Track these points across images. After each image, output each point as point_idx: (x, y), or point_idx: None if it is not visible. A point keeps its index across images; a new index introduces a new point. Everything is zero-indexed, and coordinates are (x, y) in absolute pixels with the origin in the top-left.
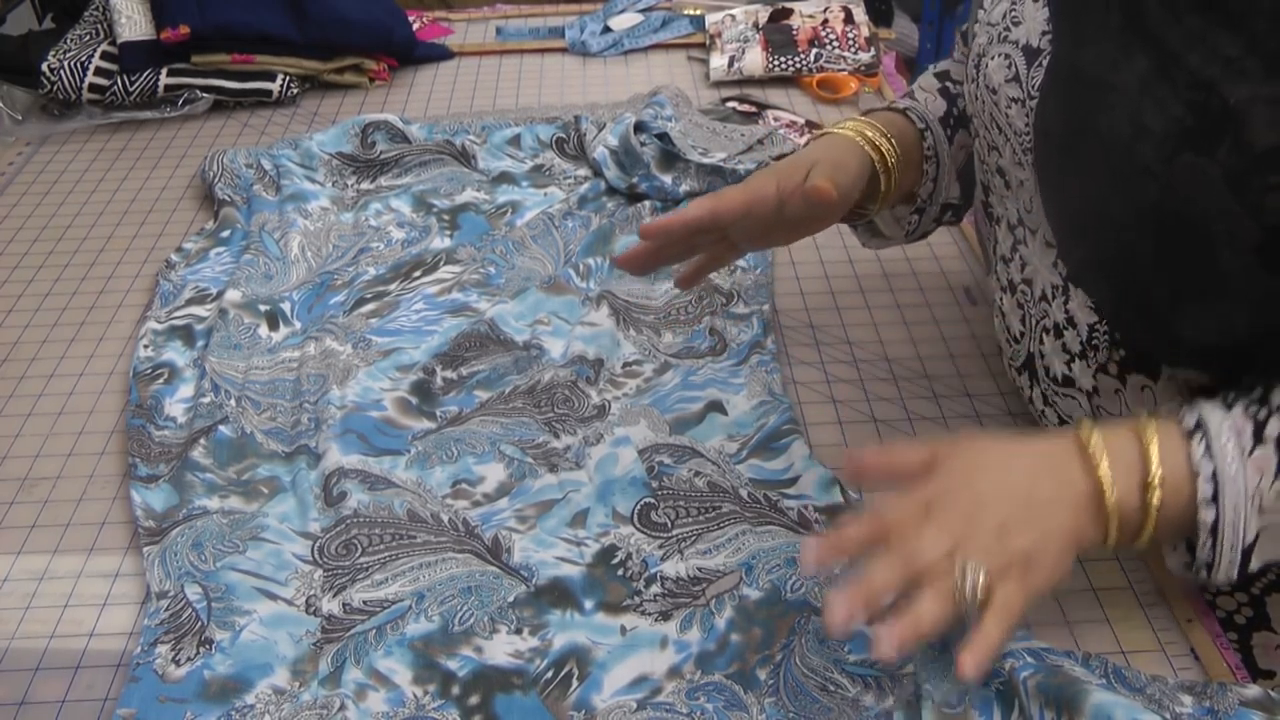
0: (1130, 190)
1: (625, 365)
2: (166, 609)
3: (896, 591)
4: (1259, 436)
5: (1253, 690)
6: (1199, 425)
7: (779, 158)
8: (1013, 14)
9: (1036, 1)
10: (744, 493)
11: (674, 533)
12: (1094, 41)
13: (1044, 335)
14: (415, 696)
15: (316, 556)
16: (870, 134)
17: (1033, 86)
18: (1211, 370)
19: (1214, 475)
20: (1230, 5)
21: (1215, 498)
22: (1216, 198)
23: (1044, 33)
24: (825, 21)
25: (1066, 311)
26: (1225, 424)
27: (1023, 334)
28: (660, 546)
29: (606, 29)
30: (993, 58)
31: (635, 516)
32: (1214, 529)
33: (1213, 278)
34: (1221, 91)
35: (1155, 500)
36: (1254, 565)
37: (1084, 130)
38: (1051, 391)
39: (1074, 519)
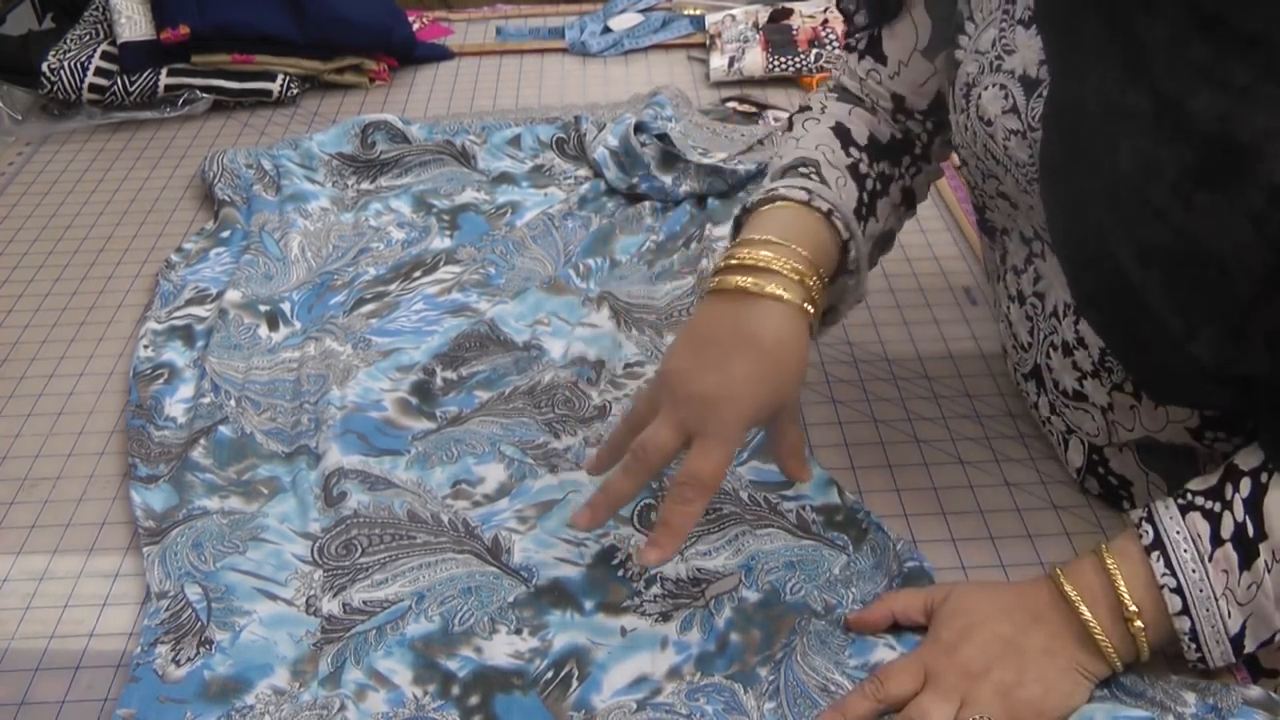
0: (1140, 230)
1: (627, 366)
2: (166, 609)
3: None
4: (1216, 538)
5: (1255, 691)
6: (1156, 540)
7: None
8: (1003, 42)
9: (1028, 29)
10: (744, 495)
11: None
12: (1095, 76)
13: (1051, 350)
14: (415, 697)
15: (316, 557)
16: (813, 285)
17: (1033, 118)
18: (1211, 407)
19: (1179, 589)
20: (1243, 27)
21: (1185, 609)
22: (1237, 233)
23: (1041, 62)
24: (825, 21)
25: (1077, 332)
26: (1181, 534)
27: (1030, 344)
28: None
29: (606, 29)
30: (986, 88)
31: (635, 517)
32: (1192, 634)
33: (1230, 306)
34: (1236, 125)
35: (1138, 627)
36: (1249, 648)
37: (1090, 168)
38: (1060, 403)
39: (1071, 660)
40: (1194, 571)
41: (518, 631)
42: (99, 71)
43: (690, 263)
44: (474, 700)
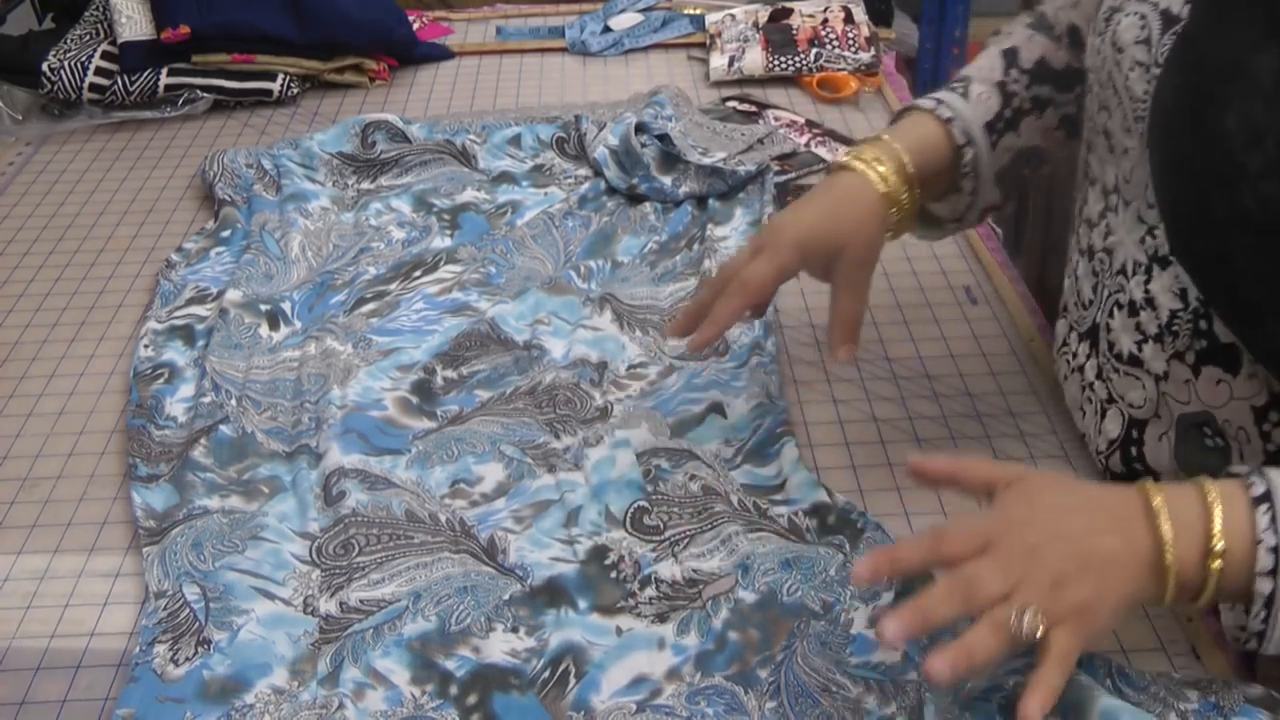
0: (1232, 191)
1: (630, 368)
2: (164, 609)
3: (951, 621)
4: None
5: (1256, 689)
6: (1266, 495)
7: (779, 158)
8: None
9: None
10: (735, 499)
11: (667, 534)
12: (1232, 30)
13: (1115, 309)
14: (413, 696)
15: (314, 556)
16: (887, 171)
17: (1160, 54)
18: None
19: (1276, 548)
20: None
21: (1274, 571)
22: None
23: (1186, 1)
24: (825, 21)
25: (1147, 291)
26: None
27: (1092, 302)
28: (653, 549)
29: (606, 29)
30: (1127, 14)
31: (628, 520)
32: (1269, 601)
33: None
34: None
35: (1216, 567)
36: None
37: (1198, 120)
38: (1110, 367)
39: (1132, 577)
40: None
41: (514, 630)
42: (99, 71)
43: (693, 264)
44: (472, 700)
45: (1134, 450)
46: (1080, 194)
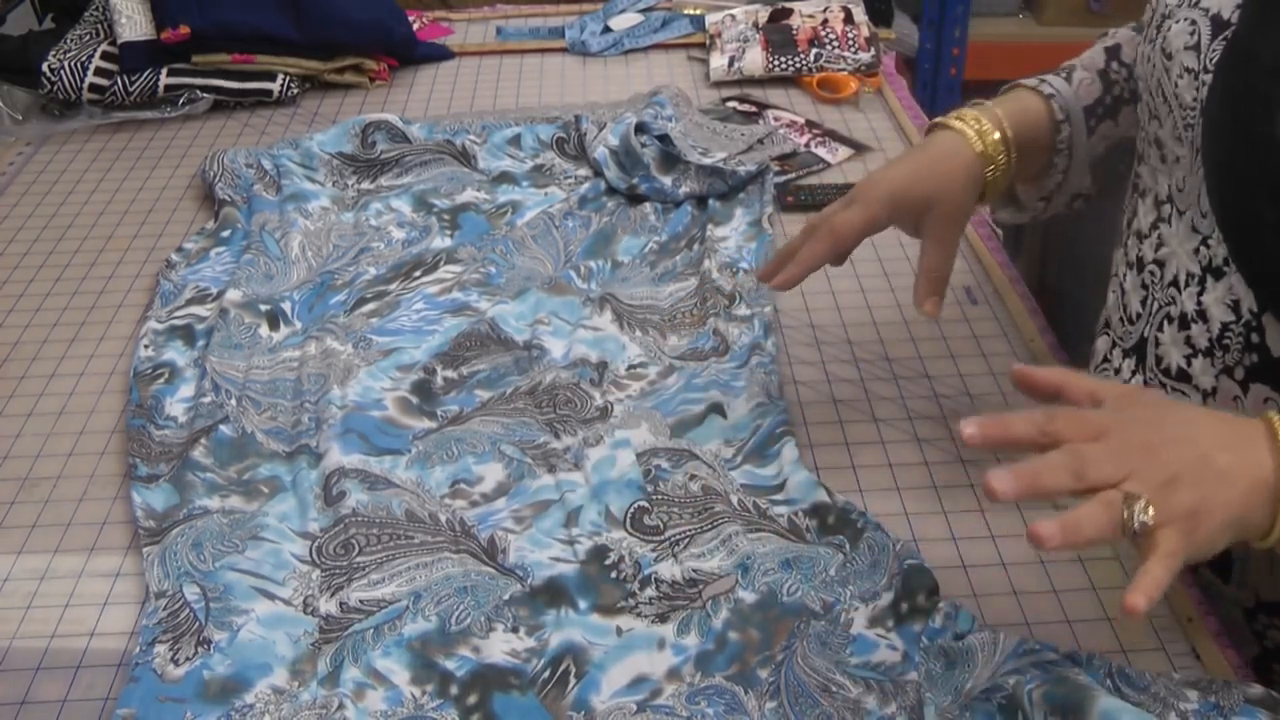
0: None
1: (630, 368)
2: (164, 609)
3: (1060, 493)
4: None
5: (1257, 689)
6: None
7: (779, 158)
8: None
9: None
10: (734, 499)
11: (667, 534)
12: (1275, 28)
13: (1165, 323)
14: (414, 696)
15: (314, 556)
16: (987, 128)
17: (1210, 60)
18: None
19: None
20: None
21: None
22: None
23: (1238, 5)
24: (825, 21)
25: (1199, 304)
26: None
27: (1140, 315)
28: (653, 549)
29: (606, 29)
30: (1177, 20)
31: (628, 520)
32: None
33: None
34: None
35: None
36: None
37: (1247, 126)
38: (1157, 383)
39: (1244, 498)
40: None
41: (514, 630)
42: (99, 71)
43: (693, 264)
44: (472, 700)
45: None
46: (1129, 206)
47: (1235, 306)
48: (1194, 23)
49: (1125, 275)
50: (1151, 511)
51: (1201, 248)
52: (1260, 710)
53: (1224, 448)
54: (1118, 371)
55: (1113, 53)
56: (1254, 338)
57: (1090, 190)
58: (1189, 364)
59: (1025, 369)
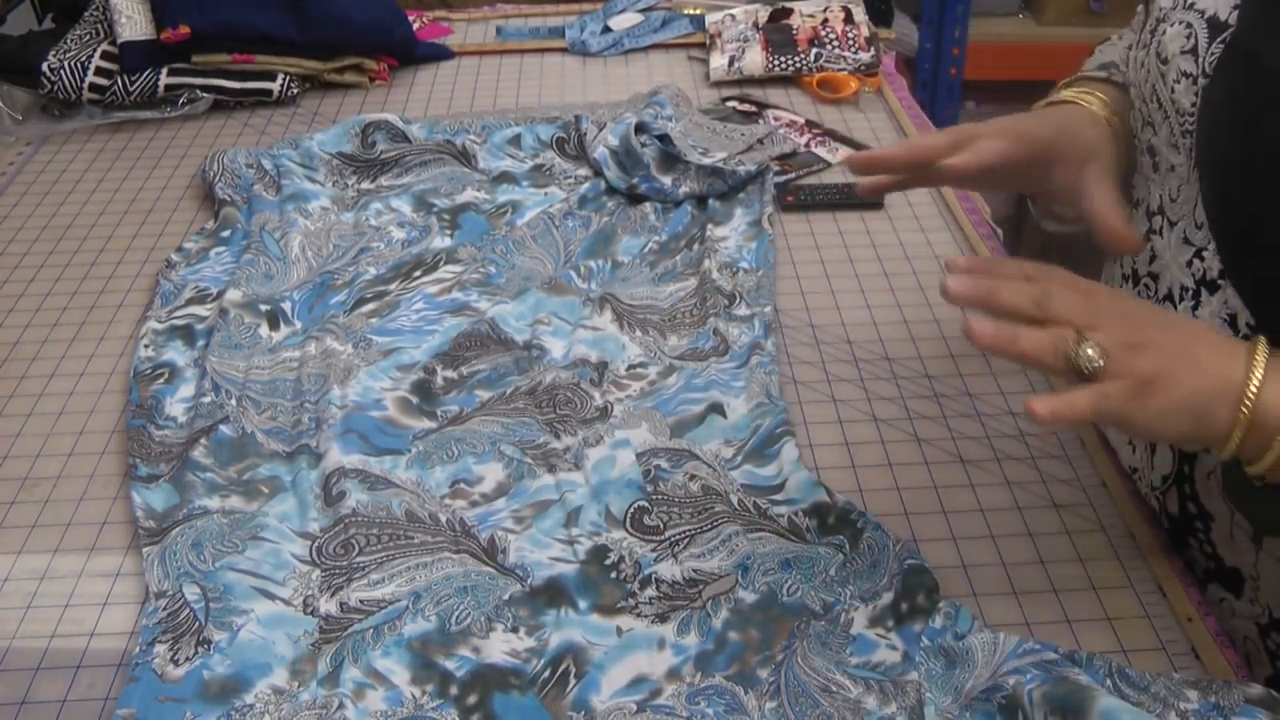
0: None
1: (630, 368)
2: (164, 609)
3: (1015, 313)
4: None
5: (1256, 689)
6: None
7: (779, 158)
8: None
9: None
10: (734, 499)
11: (667, 534)
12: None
13: None
14: (413, 696)
15: (314, 556)
16: (1108, 112)
17: (1209, 64)
18: None
19: None
20: None
21: None
22: None
23: (1234, 6)
24: (825, 21)
25: (1194, 317)
26: None
27: None
28: (653, 549)
29: (606, 29)
30: (1172, 24)
31: (628, 520)
32: None
33: None
34: None
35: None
36: None
37: (1248, 129)
38: None
39: (1209, 388)
40: None
41: (514, 630)
42: (99, 71)
43: (693, 264)
44: (472, 700)
45: (1188, 489)
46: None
47: (1232, 321)
48: (1190, 25)
49: (1120, 288)
50: (1099, 355)
51: (1195, 260)
52: (1260, 710)
53: (1203, 342)
54: None
55: (1108, 69)
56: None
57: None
58: None
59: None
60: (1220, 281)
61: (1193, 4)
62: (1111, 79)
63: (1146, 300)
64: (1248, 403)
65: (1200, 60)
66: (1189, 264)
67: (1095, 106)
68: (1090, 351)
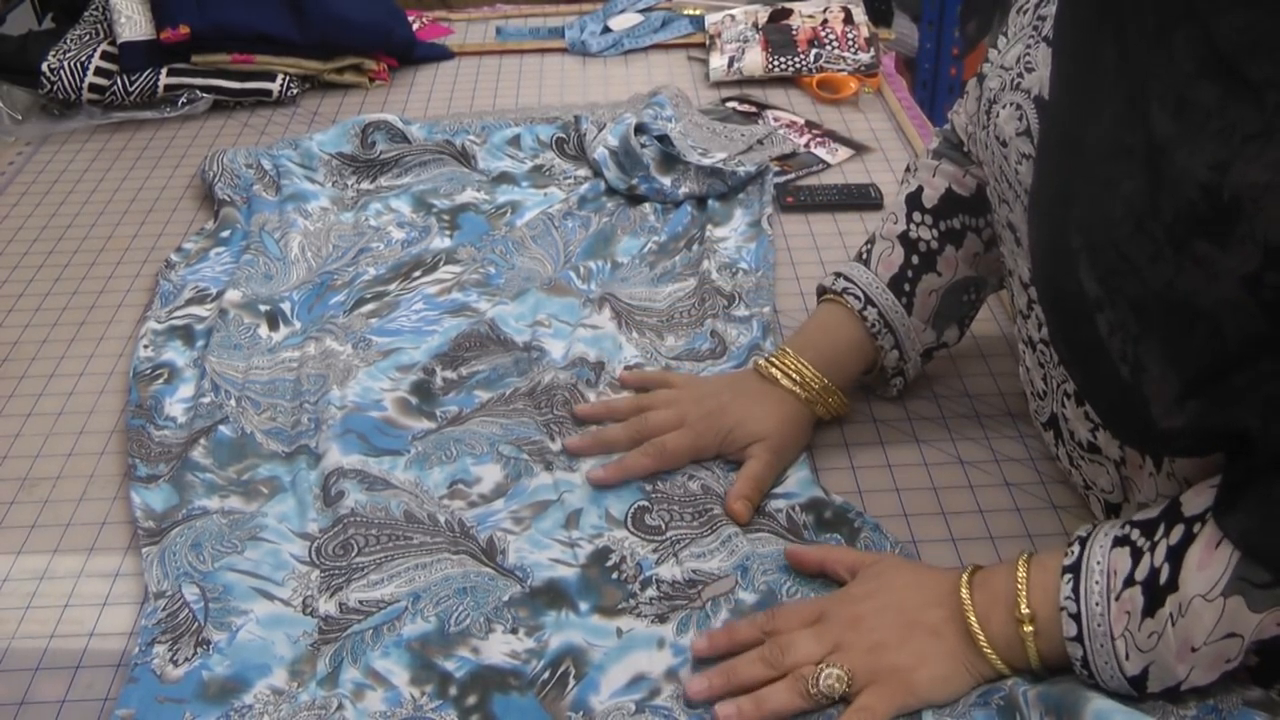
0: (1119, 276)
1: (627, 368)
2: (163, 609)
3: (758, 681)
4: (1130, 579)
5: (1255, 691)
6: (1075, 564)
7: (779, 158)
8: (1026, 59)
9: (1050, 47)
10: None
11: (668, 535)
12: (1104, 109)
13: (1065, 399)
14: (413, 697)
15: (314, 557)
16: (808, 378)
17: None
18: (1210, 453)
19: (1077, 615)
20: (1250, 74)
21: (1079, 638)
22: (1228, 289)
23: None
24: (825, 22)
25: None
26: (1100, 566)
27: (1045, 392)
28: (654, 550)
29: (606, 29)
30: (1004, 106)
31: (629, 520)
32: (1084, 662)
33: (1207, 362)
34: (1234, 177)
35: (1027, 631)
36: (1153, 689)
37: (1081, 204)
38: (1078, 455)
39: (956, 649)
40: (1097, 605)
41: (513, 631)
42: (99, 71)
43: (692, 264)
44: (471, 700)
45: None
46: (1008, 287)
47: (1085, 397)
48: (1019, 106)
49: (1024, 353)
50: (841, 680)
51: None
52: (1258, 712)
53: (931, 605)
54: (1051, 445)
55: (912, 203)
56: (1104, 428)
57: (940, 341)
58: (1094, 436)
59: (794, 549)
60: None
61: (1018, 84)
62: (829, 292)
63: (887, 560)
64: (979, 636)
65: (1035, 140)
66: None
67: (786, 385)
68: (833, 678)
